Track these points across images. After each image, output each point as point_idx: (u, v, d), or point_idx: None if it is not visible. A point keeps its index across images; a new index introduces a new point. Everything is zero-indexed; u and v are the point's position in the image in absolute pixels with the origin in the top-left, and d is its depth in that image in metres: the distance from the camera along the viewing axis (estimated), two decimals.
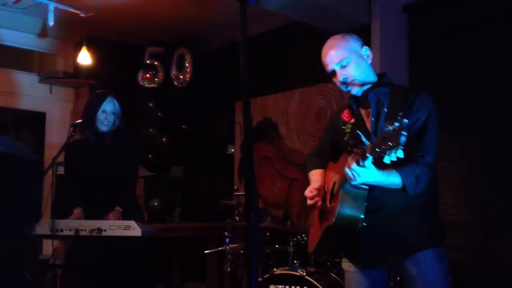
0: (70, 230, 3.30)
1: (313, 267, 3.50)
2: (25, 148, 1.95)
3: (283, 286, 3.36)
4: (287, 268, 3.47)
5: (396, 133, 1.70)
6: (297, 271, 3.32)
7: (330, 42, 2.35)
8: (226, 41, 5.62)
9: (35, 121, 5.79)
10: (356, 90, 2.27)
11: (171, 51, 5.77)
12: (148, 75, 5.67)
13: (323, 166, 2.50)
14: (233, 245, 4.17)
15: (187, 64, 5.70)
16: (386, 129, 1.75)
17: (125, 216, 3.48)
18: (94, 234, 3.25)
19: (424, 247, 2.17)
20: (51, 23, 4.45)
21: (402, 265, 2.20)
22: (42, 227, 3.32)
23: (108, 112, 3.56)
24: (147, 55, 5.69)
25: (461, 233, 3.71)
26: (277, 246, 3.88)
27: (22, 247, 1.82)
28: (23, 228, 1.83)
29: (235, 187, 4.71)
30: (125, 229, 3.27)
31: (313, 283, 3.22)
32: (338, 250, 2.48)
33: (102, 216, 3.45)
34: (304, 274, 3.27)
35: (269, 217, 4.35)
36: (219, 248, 4.33)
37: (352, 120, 2.32)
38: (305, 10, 4.22)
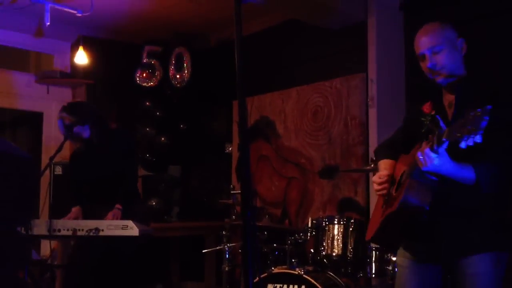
0: (68, 230, 3.30)
1: (310, 265, 3.50)
2: (16, 147, 1.94)
3: (281, 285, 3.35)
4: (285, 266, 3.47)
5: (478, 117, 1.67)
6: (295, 270, 3.32)
7: (425, 27, 2.29)
8: (224, 39, 5.61)
9: (32, 121, 5.78)
10: (441, 80, 2.21)
11: (168, 50, 5.76)
12: (146, 74, 5.66)
13: (394, 157, 2.43)
14: (231, 244, 4.16)
15: (185, 64, 5.70)
16: (466, 114, 1.71)
17: (126, 214, 3.47)
18: (91, 234, 3.25)
19: (483, 250, 2.11)
20: (47, 22, 4.44)
21: (457, 264, 2.15)
22: (40, 228, 3.32)
23: (65, 132, 3.56)
24: (144, 54, 5.68)
25: None
26: (275, 245, 3.87)
27: (13, 246, 1.81)
28: (15, 227, 1.82)
29: (231, 186, 4.71)
30: (122, 229, 3.27)
31: (311, 281, 3.22)
32: (396, 239, 2.38)
33: (102, 216, 3.46)
34: (302, 272, 3.27)
35: (267, 216, 4.36)
36: (217, 247, 4.33)
37: (433, 112, 2.25)
38: (301, 7, 4.22)
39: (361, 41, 4.32)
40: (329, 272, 3.42)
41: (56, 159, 3.63)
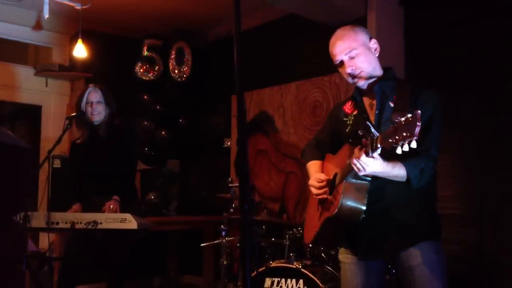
0: (66, 223, 3.30)
1: (308, 259, 3.52)
2: (16, 137, 1.94)
3: (279, 279, 3.36)
4: (283, 261, 3.48)
5: (411, 123, 1.69)
6: (293, 264, 3.33)
7: (338, 32, 2.33)
8: (223, 33, 5.61)
9: (31, 114, 5.77)
10: (362, 83, 2.27)
11: (168, 44, 5.76)
12: (146, 67, 5.66)
13: (322, 157, 2.50)
14: (229, 238, 4.17)
15: (186, 58, 5.70)
16: (397, 120, 1.74)
17: (123, 208, 3.48)
18: (89, 227, 3.25)
19: (421, 240, 2.18)
20: (46, 15, 4.43)
21: (399, 257, 2.22)
22: (38, 220, 3.31)
23: (93, 102, 3.58)
24: (145, 47, 5.67)
25: (457, 227, 3.72)
26: (273, 239, 3.88)
27: (10, 236, 1.81)
28: (12, 216, 1.82)
29: (229, 179, 4.71)
30: (121, 222, 3.27)
31: (308, 275, 3.23)
32: (336, 241, 2.47)
33: (100, 208, 3.47)
34: (300, 266, 3.28)
35: (265, 210, 4.36)
36: (216, 241, 4.34)
37: (355, 112, 2.32)
38: (301, 2, 4.21)
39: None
40: (327, 266, 3.44)
41: (55, 152, 3.62)
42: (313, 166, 2.49)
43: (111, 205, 3.46)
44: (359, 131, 2.03)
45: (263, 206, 4.76)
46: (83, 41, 5.06)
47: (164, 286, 5.84)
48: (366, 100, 2.31)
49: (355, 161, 1.97)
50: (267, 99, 5.24)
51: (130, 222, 3.27)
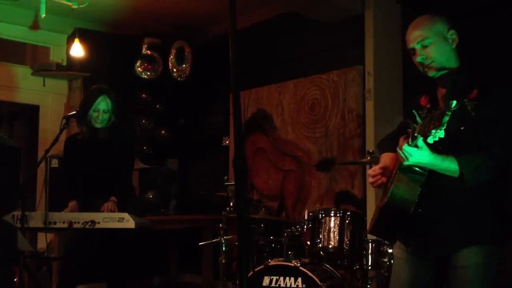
0: (64, 222, 3.30)
1: (307, 258, 3.51)
2: (2, 136, 1.92)
3: (277, 277, 3.36)
4: (282, 259, 3.48)
5: (442, 113, 1.70)
6: (291, 262, 3.32)
7: (416, 20, 2.29)
8: (222, 31, 5.59)
9: (29, 114, 5.76)
10: (432, 73, 2.22)
11: (168, 42, 5.75)
12: (146, 66, 5.65)
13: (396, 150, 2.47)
14: (227, 237, 4.17)
15: (187, 57, 5.69)
16: (435, 110, 1.76)
17: (121, 208, 3.47)
18: (87, 226, 3.25)
19: (477, 242, 2.11)
20: (43, 15, 4.42)
21: (449, 256, 2.16)
22: (36, 220, 3.31)
23: (100, 110, 3.55)
24: (144, 46, 5.66)
25: None
26: (271, 237, 3.88)
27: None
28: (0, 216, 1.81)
29: (225, 178, 4.70)
30: (118, 221, 3.26)
31: (307, 274, 3.22)
32: (391, 232, 2.39)
33: (98, 208, 3.46)
34: (299, 265, 3.27)
35: (264, 209, 4.35)
36: (214, 240, 4.33)
37: (428, 106, 2.25)
38: (299, 0, 4.21)
39: (358, 34, 4.31)
40: (325, 265, 3.43)
41: (52, 152, 3.61)
42: (383, 158, 2.44)
43: (109, 205, 3.46)
44: (407, 120, 2.01)
45: (261, 204, 4.76)
46: (81, 40, 5.06)
47: (163, 285, 5.83)
48: (439, 92, 2.26)
49: (399, 150, 1.97)
50: (266, 97, 5.23)
51: (127, 222, 3.26)
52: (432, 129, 1.73)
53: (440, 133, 1.72)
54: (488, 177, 2.05)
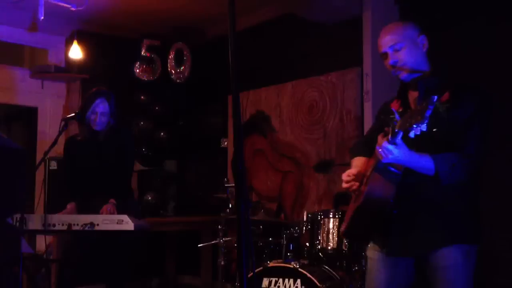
0: (63, 225, 3.30)
1: (306, 259, 3.51)
2: (8, 138, 1.93)
3: (276, 279, 3.36)
4: (281, 260, 3.48)
5: (423, 107, 1.73)
6: (290, 264, 3.33)
7: (388, 26, 2.38)
8: (221, 33, 5.59)
9: (27, 116, 5.75)
10: (404, 76, 2.29)
11: (167, 44, 5.75)
12: (145, 67, 5.66)
13: (369, 154, 2.47)
14: (226, 238, 4.17)
15: (185, 59, 5.70)
16: (416, 106, 1.79)
17: (120, 210, 3.47)
18: (86, 228, 3.25)
19: (454, 241, 2.15)
20: (41, 17, 4.42)
21: (427, 257, 2.19)
22: (35, 222, 3.31)
23: (98, 113, 3.55)
24: (144, 47, 5.66)
25: None
26: (270, 239, 3.88)
27: (4, 238, 1.80)
28: (5, 218, 1.81)
29: (225, 179, 4.71)
30: (117, 223, 3.27)
31: (306, 275, 3.23)
32: (366, 234, 2.43)
33: (97, 209, 3.46)
34: (298, 266, 3.28)
35: (263, 210, 4.35)
36: (213, 242, 4.33)
37: (400, 110, 2.31)
38: (297, 2, 4.21)
39: (356, 35, 4.32)
40: (324, 266, 3.43)
41: (51, 154, 3.61)
42: (355, 162, 2.49)
43: (108, 208, 3.46)
44: (381, 116, 2.04)
45: (260, 206, 4.76)
46: (79, 42, 5.06)
47: (162, 286, 5.83)
48: (411, 96, 2.33)
49: (377, 147, 1.99)
50: (264, 99, 5.24)
51: (126, 224, 3.26)
52: (414, 123, 1.76)
53: (423, 127, 1.76)
54: (462, 177, 2.09)
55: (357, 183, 2.33)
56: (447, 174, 2.05)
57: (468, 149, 2.08)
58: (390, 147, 1.96)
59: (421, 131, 1.79)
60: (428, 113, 1.72)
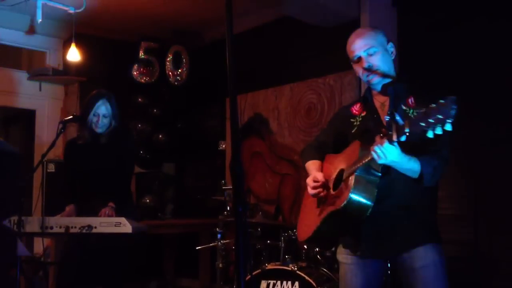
0: (60, 227, 3.29)
1: (304, 261, 3.51)
2: (3, 141, 1.93)
3: (274, 281, 3.36)
4: (279, 263, 3.48)
5: (446, 106, 1.70)
6: (288, 266, 3.33)
7: (359, 31, 2.42)
8: (219, 35, 5.60)
9: (25, 118, 5.75)
10: (377, 80, 2.31)
11: (165, 46, 5.76)
12: (143, 70, 5.66)
13: (321, 158, 2.50)
14: (224, 241, 4.17)
15: (183, 62, 5.71)
16: (427, 106, 1.75)
17: (118, 213, 3.47)
18: (84, 231, 3.24)
19: (426, 242, 2.20)
20: (39, 19, 4.42)
21: (402, 258, 2.22)
22: (32, 225, 3.29)
23: (99, 115, 3.54)
24: (142, 50, 5.66)
25: (452, 226, 3.73)
26: (268, 241, 3.88)
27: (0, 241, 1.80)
28: (1, 221, 1.81)
29: (223, 182, 4.71)
30: (115, 226, 3.26)
31: (304, 278, 3.23)
32: (335, 238, 2.45)
33: (96, 212, 3.45)
34: (296, 269, 3.28)
35: (261, 213, 4.35)
36: (211, 244, 4.33)
37: (363, 114, 2.35)
38: (294, 5, 4.22)
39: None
40: (322, 269, 3.44)
41: (49, 157, 3.61)
42: (313, 165, 2.49)
43: (106, 211, 3.45)
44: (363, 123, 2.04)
45: (258, 208, 4.76)
46: (77, 45, 5.06)
47: None
48: (377, 102, 2.35)
49: (376, 148, 1.98)
50: (262, 101, 5.24)
51: (124, 226, 3.25)
52: (435, 122, 1.72)
53: (447, 126, 1.72)
54: (439, 178, 2.16)
55: (324, 190, 2.31)
56: (430, 177, 2.10)
57: (444, 153, 2.14)
58: (390, 148, 1.96)
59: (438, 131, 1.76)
60: (453, 113, 1.70)
